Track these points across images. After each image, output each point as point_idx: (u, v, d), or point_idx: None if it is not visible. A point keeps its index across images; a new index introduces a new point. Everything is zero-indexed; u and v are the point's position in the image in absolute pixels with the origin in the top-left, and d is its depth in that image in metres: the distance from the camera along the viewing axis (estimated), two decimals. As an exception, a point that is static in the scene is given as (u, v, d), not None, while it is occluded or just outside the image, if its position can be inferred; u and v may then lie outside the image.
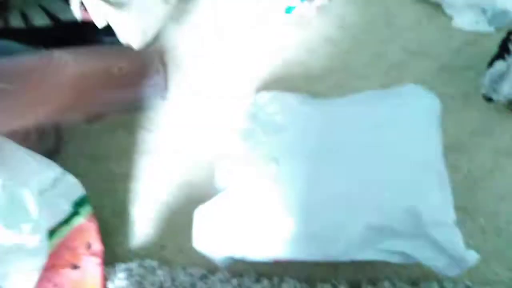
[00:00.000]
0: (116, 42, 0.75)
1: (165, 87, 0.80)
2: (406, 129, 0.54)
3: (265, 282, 0.57)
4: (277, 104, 0.63)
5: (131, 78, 0.79)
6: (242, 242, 0.53)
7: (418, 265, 0.51)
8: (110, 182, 0.73)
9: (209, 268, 0.59)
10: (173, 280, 0.59)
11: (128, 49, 0.74)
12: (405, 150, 0.53)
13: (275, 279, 0.57)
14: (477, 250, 0.56)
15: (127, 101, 0.79)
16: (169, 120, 0.78)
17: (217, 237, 0.54)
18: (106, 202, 0.70)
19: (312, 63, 0.77)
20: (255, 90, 0.78)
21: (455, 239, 0.49)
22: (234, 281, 0.58)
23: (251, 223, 0.52)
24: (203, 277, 0.59)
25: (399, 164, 0.52)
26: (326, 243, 0.51)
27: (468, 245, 0.55)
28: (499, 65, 0.61)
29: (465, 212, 0.58)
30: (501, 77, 0.59)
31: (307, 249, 0.52)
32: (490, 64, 0.63)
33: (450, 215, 0.50)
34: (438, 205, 0.50)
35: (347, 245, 0.50)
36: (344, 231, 0.50)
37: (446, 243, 0.48)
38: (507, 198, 0.59)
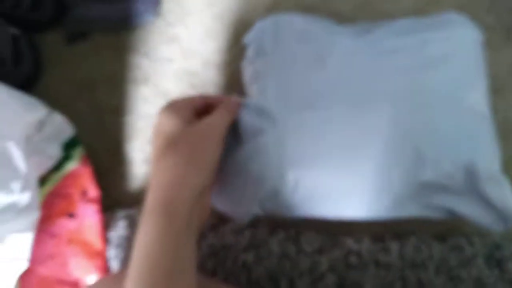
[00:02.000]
0: None
1: (158, 1, 0.69)
2: (453, 69, 0.47)
3: (281, 234, 0.53)
4: (299, 33, 0.53)
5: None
6: (264, 199, 0.47)
7: (443, 220, 0.47)
8: (99, 115, 0.64)
9: (220, 216, 0.54)
10: (181, 230, 0.54)
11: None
12: (455, 94, 0.46)
13: (292, 231, 0.53)
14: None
15: (114, 18, 0.68)
16: (163, 41, 0.67)
17: (237, 195, 0.48)
18: (96, 138, 0.63)
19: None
20: (267, 6, 0.67)
21: (506, 194, 0.44)
22: (247, 233, 0.54)
23: (275, 178, 0.46)
24: (214, 227, 0.55)
25: (451, 112, 0.45)
26: (370, 200, 0.45)
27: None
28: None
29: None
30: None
31: (346, 207, 0.46)
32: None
33: (499, 166, 0.46)
34: (492, 158, 0.45)
35: (392, 202, 0.45)
36: (390, 187, 0.44)
37: (497, 199, 0.44)
38: (542, 148, 0.54)
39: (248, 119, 0.47)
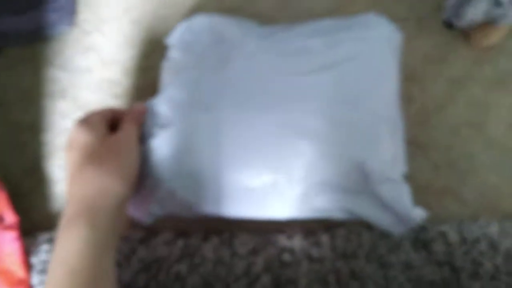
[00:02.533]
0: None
1: (73, 10, 0.66)
2: (357, 70, 0.47)
3: (215, 239, 0.52)
4: (217, 34, 0.53)
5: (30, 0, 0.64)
6: (162, 199, 0.47)
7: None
8: (14, 133, 0.60)
9: (150, 229, 0.53)
10: (109, 247, 0.52)
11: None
12: (360, 95, 0.46)
13: (226, 235, 0.52)
14: (429, 187, 0.55)
15: (26, 29, 0.64)
16: (80, 51, 0.65)
17: (137, 197, 0.47)
18: (13, 159, 0.59)
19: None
20: (187, 9, 0.66)
21: (403, 197, 0.45)
22: (180, 242, 0.52)
23: (170, 179, 0.46)
24: (144, 240, 0.53)
25: (351, 113, 0.46)
26: (261, 201, 0.46)
27: (420, 182, 0.54)
28: (462, -14, 0.55)
29: (417, 147, 0.56)
30: (466, 0, 0.54)
31: (239, 207, 0.47)
32: (450, -16, 0.57)
33: (400, 169, 0.47)
34: (388, 160, 0.45)
35: (284, 204, 0.46)
36: (283, 189, 0.45)
37: (393, 201, 0.45)
38: (459, 131, 0.57)
39: (145, 122, 0.47)
